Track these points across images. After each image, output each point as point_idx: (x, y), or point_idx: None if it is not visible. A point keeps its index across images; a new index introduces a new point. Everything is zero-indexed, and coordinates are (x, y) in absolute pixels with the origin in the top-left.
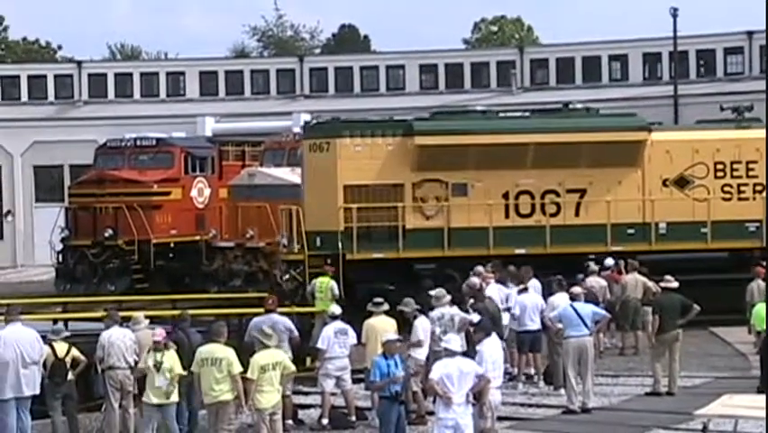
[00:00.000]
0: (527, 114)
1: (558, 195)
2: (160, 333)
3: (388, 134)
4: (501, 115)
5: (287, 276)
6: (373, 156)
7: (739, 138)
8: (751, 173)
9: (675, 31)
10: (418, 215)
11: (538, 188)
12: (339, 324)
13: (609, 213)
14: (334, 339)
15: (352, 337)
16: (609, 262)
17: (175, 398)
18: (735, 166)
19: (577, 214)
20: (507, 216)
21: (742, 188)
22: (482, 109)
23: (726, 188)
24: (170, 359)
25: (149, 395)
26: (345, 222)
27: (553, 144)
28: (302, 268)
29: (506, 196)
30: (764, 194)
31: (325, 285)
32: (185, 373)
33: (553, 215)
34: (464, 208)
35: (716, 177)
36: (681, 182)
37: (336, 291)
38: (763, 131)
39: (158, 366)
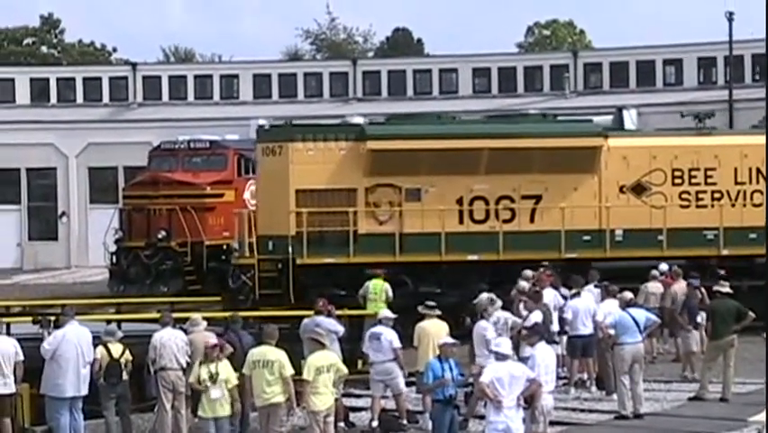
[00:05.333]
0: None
1: (513, 201)
2: (213, 341)
3: (341, 139)
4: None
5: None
6: (326, 160)
7: (698, 145)
8: (709, 180)
9: (731, 35)
10: (371, 220)
11: (493, 193)
12: (375, 328)
13: (564, 219)
14: (368, 344)
15: (386, 340)
16: (663, 267)
17: (229, 410)
18: (693, 173)
19: (532, 220)
20: (461, 221)
21: (700, 196)
22: (437, 114)
23: (684, 196)
24: (225, 370)
25: (204, 408)
26: (297, 226)
27: (508, 150)
28: (253, 272)
29: (460, 201)
30: (722, 201)
31: (379, 288)
32: (238, 383)
33: (507, 221)
34: (417, 214)
35: (673, 184)
36: (638, 189)
37: (390, 294)
38: (724, 138)
39: (213, 378)
